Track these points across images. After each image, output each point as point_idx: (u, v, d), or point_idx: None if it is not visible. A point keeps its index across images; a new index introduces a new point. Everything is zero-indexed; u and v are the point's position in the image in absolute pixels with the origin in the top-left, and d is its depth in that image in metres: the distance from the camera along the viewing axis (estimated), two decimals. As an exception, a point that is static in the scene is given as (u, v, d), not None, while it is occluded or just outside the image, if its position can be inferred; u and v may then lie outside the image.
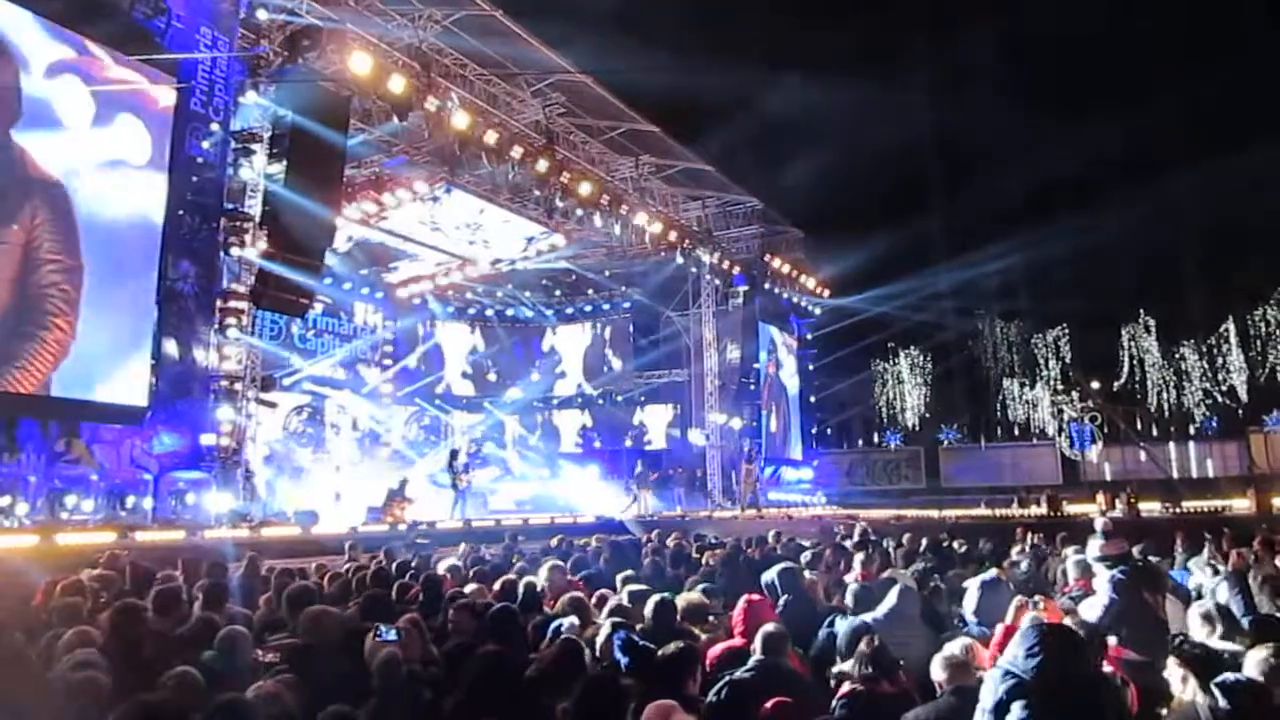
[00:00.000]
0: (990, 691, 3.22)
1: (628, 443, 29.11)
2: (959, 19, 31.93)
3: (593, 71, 18.23)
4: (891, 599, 5.02)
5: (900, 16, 34.32)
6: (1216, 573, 6.16)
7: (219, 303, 14.69)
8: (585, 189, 19.74)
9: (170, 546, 10.77)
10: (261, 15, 14.76)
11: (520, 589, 5.92)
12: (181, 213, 13.84)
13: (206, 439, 14.27)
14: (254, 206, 14.95)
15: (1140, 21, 30.23)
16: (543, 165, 18.49)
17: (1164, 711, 3.83)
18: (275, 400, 17.25)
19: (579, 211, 20.60)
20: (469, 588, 6.78)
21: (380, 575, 7.18)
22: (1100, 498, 19.51)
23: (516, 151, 17.82)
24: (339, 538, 12.74)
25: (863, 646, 3.95)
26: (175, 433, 13.68)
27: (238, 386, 15.16)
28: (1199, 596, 5.79)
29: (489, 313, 29.71)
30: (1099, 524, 5.96)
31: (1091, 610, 5.17)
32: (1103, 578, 5.45)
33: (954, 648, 4.16)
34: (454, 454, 20.44)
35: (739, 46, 27.72)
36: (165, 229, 13.56)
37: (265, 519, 14.67)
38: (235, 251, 14.77)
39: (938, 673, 3.85)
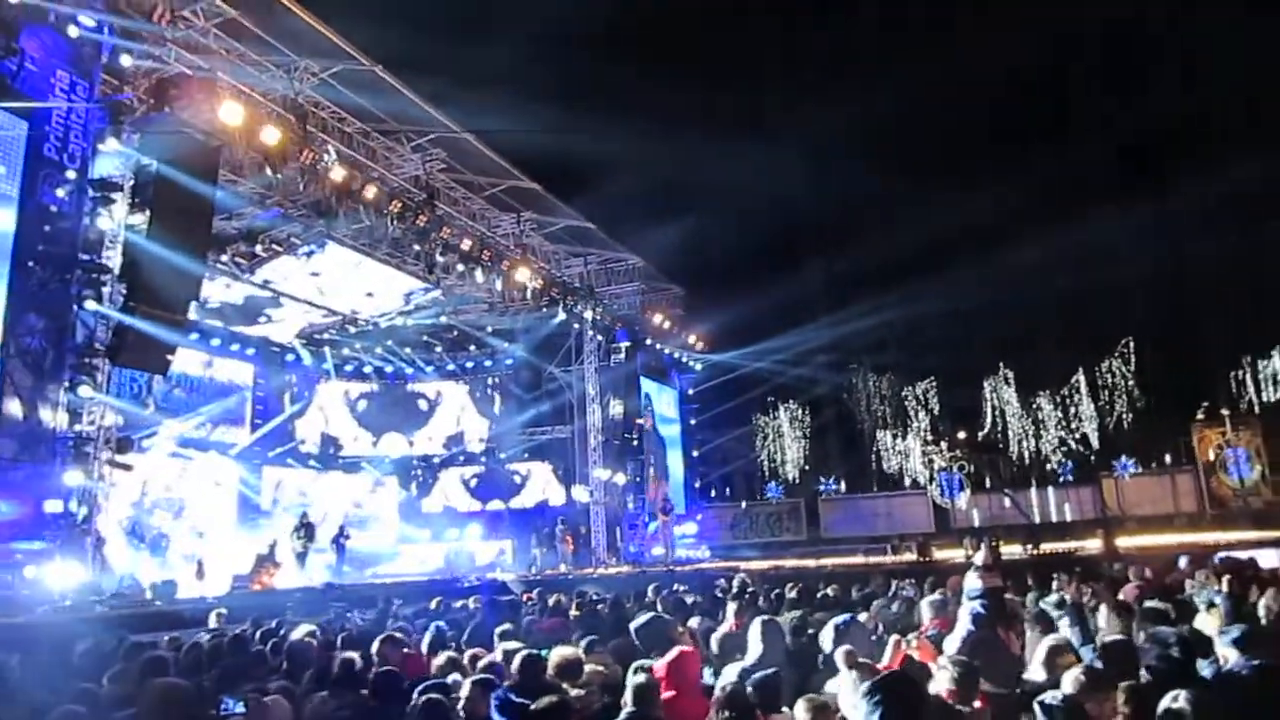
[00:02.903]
0: None
1: (513, 500, 28.75)
2: (835, 89, 33.76)
3: (474, 129, 18.37)
4: (756, 645, 5.12)
5: (779, 85, 36.06)
6: (1061, 606, 6.56)
7: (71, 359, 13.80)
8: (466, 245, 19.70)
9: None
10: (125, 61, 14.13)
11: (336, 666, 5.63)
12: (31, 264, 13.00)
13: (51, 506, 13.17)
14: (113, 258, 14.22)
15: (998, 99, 32.69)
16: (422, 221, 18.37)
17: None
18: (131, 463, 16.16)
19: (460, 267, 20.46)
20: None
21: (238, 644, 6.81)
22: (966, 543, 20.40)
23: (395, 206, 17.68)
24: (200, 609, 12.02)
25: (717, 693, 4.02)
26: (15, 500, 12.60)
27: (89, 449, 14.19)
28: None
29: (367, 369, 28.95)
30: (978, 559, 6.34)
31: (952, 641, 5.45)
32: (966, 609, 5.74)
33: (833, 686, 4.30)
34: (303, 518, 19.89)
35: (622, 108, 28.50)
36: (12, 281, 12.71)
37: (119, 591, 13.71)
38: (91, 305, 13.93)
39: (800, 714, 3.93)
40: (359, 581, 19.76)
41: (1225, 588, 7.14)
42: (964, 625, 5.56)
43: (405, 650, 6.36)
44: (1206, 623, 5.82)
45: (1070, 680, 3.90)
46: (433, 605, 11.17)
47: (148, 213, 13.64)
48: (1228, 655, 4.43)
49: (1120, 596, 7.57)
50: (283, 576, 18.81)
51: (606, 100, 27.44)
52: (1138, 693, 3.91)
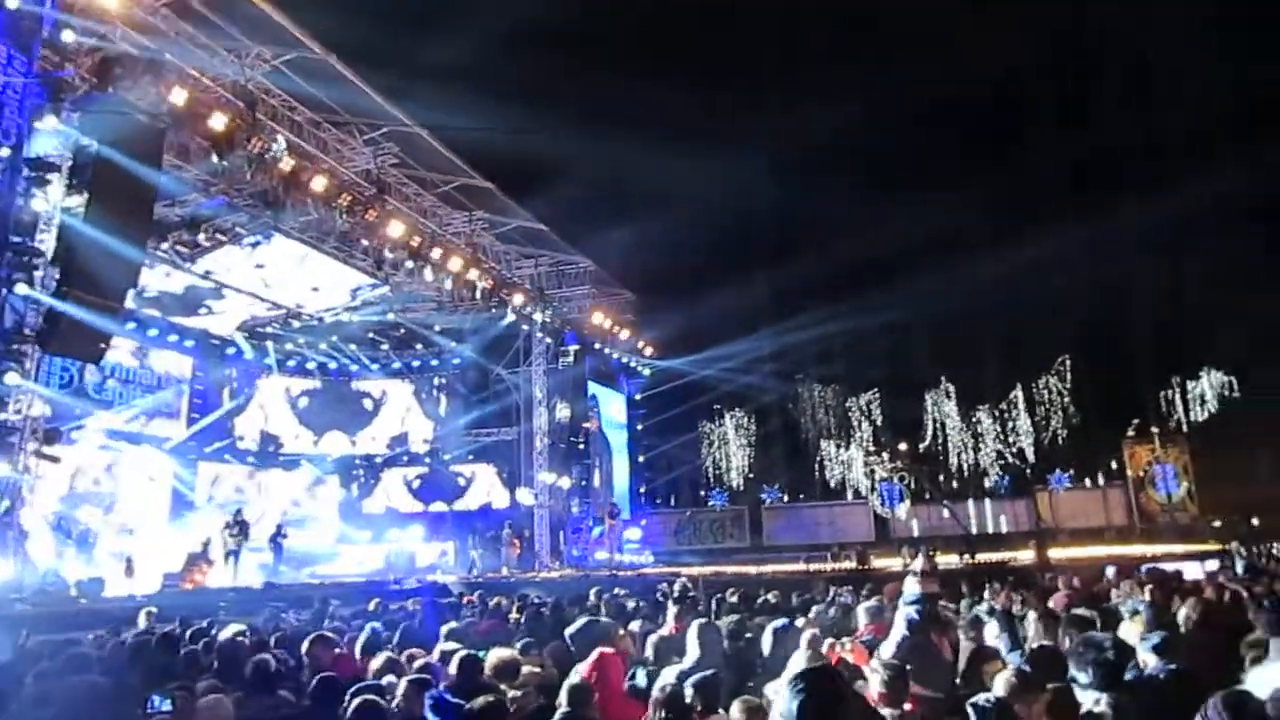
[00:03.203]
0: None
1: (456, 502, 28.46)
2: (792, 100, 34.06)
3: (428, 124, 18.14)
4: (694, 648, 5.15)
5: (738, 93, 36.27)
6: (991, 614, 6.73)
7: (-2, 345, 13.30)
8: (415, 241, 19.48)
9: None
10: (68, 37, 13.62)
11: (248, 670, 5.47)
12: (-43, 244, 12.55)
13: (-30, 498, 12.74)
14: (47, 241, 13.74)
15: (944, 120, 33.39)
16: (372, 215, 18.13)
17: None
18: (59, 455, 15.61)
19: (408, 264, 20.22)
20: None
21: (166, 642, 6.62)
22: (904, 551, 20.73)
23: (345, 199, 17.41)
24: (129, 607, 11.67)
25: (656, 694, 4.04)
26: (-68, 490, 12.16)
27: (14, 439, 13.69)
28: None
29: (311, 365, 28.39)
30: (917, 565, 6.47)
31: (887, 646, 5.54)
32: (902, 614, 5.84)
33: (771, 690, 4.33)
34: (237, 515, 19.66)
35: (578, 110, 28.42)
36: (-64, 262, 12.25)
37: (42, 589, 13.25)
38: (22, 289, 13.45)
39: (735, 714, 3.97)
40: (296, 581, 19.39)
41: (1149, 597, 7.38)
42: (899, 630, 5.64)
43: (337, 650, 6.26)
44: (1129, 630, 6.00)
45: (1002, 683, 4.05)
46: (371, 606, 11.04)
47: (86, 195, 13.24)
48: (1147, 660, 4.60)
49: (1050, 605, 7.78)
50: (215, 575, 18.39)
51: (563, 102, 27.31)
52: (1064, 695, 4.09)
